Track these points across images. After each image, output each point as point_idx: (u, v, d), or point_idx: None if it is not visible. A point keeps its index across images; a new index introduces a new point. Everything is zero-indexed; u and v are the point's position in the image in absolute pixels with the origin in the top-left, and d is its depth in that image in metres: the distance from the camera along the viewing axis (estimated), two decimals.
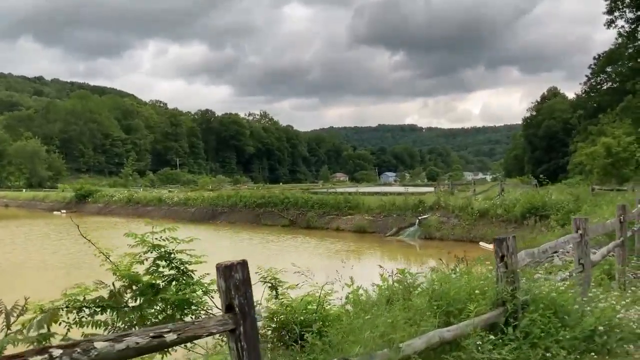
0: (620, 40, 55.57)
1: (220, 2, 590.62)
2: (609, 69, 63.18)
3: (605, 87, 63.56)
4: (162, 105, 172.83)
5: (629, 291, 7.80)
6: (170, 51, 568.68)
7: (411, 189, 41.29)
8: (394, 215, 24.00)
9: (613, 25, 48.62)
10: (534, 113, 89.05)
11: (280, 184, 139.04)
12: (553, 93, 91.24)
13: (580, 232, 6.44)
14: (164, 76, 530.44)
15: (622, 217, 8.74)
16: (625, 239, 8.82)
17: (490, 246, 18.93)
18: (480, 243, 19.51)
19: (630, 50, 52.06)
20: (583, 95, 69.50)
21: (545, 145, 79.12)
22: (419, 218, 22.54)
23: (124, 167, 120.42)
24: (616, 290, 8.15)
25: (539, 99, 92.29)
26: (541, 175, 29.01)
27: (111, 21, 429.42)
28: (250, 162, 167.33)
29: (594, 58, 64.12)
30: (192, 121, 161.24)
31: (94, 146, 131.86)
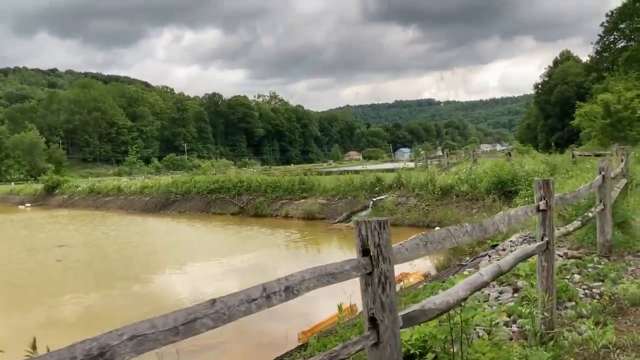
0: None
1: None
2: (622, 26, 58.02)
3: (619, 46, 58.44)
4: (168, 90, 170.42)
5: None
6: (184, 38, 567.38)
7: (399, 165, 37.54)
8: (349, 197, 20.36)
9: None
10: (547, 79, 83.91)
11: (292, 165, 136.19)
12: (566, 57, 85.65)
13: (365, 261, 2.92)
14: (179, 63, 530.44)
15: (543, 201, 5.10)
16: (552, 239, 5.14)
17: None
18: (436, 229, 15.83)
19: None
20: (596, 56, 64.50)
21: (558, 111, 74.08)
22: (373, 200, 18.90)
23: (128, 155, 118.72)
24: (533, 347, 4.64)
25: (551, 64, 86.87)
26: (518, 143, 24.86)
27: (126, 11, 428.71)
28: (260, 144, 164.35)
29: (607, 15, 58.99)
30: (199, 105, 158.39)
31: (99, 135, 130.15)
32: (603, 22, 59.09)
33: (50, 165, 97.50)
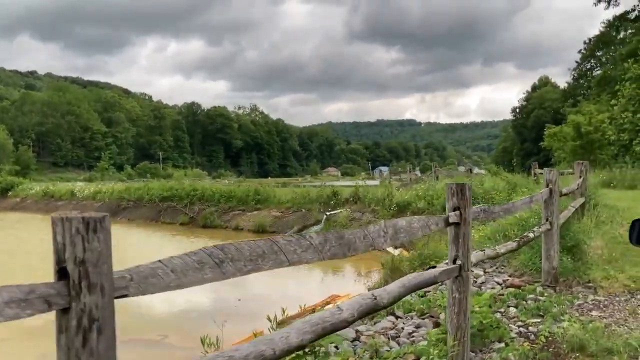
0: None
1: None
2: (599, 53, 58.23)
3: (596, 73, 58.63)
4: (146, 98, 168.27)
5: None
6: (168, 47, 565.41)
7: (370, 182, 36.48)
8: (303, 210, 19.14)
9: None
10: (524, 103, 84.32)
11: (269, 178, 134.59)
12: (544, 82, 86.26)
13: (59, 288, 1.58)
14: (161, 72, 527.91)
15: (456, 212, 3.98)
16: (467, 263, 4.03)
17: (397, 251, 14.21)
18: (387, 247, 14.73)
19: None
20: (573, 82, 64.74)
21: (534, 136, 74.18)
22: (327, 214, 17.71)
23: (100, 161, 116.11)
24: None
25: (529, 89, 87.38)
26: (494, 166, 23.71)
27: (111, 18, 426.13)
28: (238, 156, 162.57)
29: (584, 42, 59.25)
30: (178, 114, 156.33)
31: (72, 140, 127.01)
32: (581, 49, 59.36)
33: (17, 168, 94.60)
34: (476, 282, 6.54)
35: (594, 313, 5.22)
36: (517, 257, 6.90)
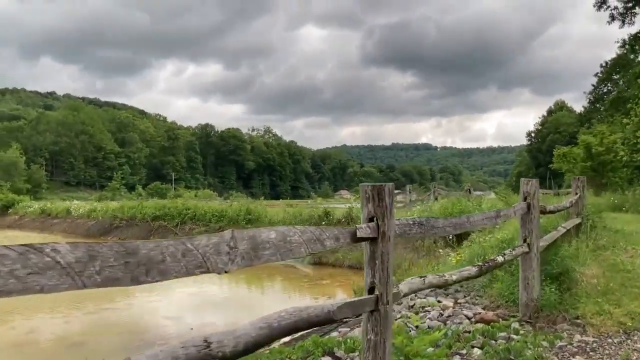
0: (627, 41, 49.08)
1: (237, 23, 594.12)
2: (615, 77, 56.95)
3: (612, 97, 57.29)
4: (161, 118, 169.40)
5: None
6: (186, 70, 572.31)
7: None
8: None
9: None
10: (540, 127, 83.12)
11: (280, 199, 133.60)
12: (560, 106, 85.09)
13: None
14: (179, 94, 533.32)
15: (371, 225, 2.96)
16: (387, 293, 2.98)
17: None
18: None
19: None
20: (589, 106, 63.38)
21: (549, 160, 72.70)
22: None
23: (112, 180, 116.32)
24: None
25: (545, 113, 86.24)
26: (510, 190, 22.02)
27: (131, 41, 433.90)
28: (250, 177, 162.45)
29: (601, 66, 58.00)
30: (191, 135, 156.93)
31: (85, 159, 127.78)
32: (597, 73, 58.12)
33: (29, 186, 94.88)
34: (442, 315, 5.48)
35: (577, 359, 4.13)
36: (494, 286, 5.83)
